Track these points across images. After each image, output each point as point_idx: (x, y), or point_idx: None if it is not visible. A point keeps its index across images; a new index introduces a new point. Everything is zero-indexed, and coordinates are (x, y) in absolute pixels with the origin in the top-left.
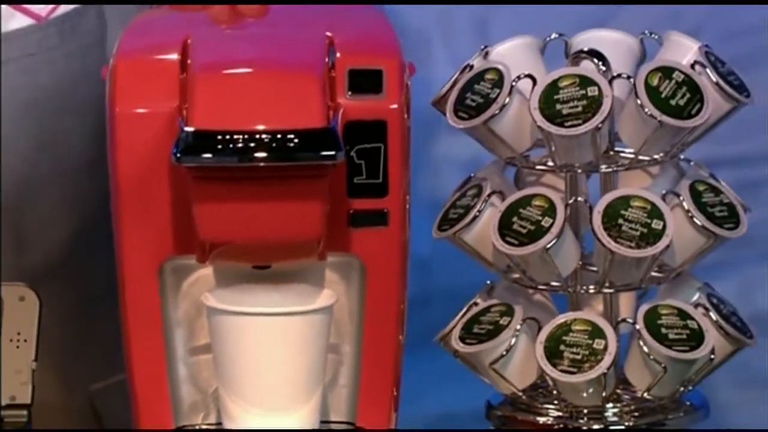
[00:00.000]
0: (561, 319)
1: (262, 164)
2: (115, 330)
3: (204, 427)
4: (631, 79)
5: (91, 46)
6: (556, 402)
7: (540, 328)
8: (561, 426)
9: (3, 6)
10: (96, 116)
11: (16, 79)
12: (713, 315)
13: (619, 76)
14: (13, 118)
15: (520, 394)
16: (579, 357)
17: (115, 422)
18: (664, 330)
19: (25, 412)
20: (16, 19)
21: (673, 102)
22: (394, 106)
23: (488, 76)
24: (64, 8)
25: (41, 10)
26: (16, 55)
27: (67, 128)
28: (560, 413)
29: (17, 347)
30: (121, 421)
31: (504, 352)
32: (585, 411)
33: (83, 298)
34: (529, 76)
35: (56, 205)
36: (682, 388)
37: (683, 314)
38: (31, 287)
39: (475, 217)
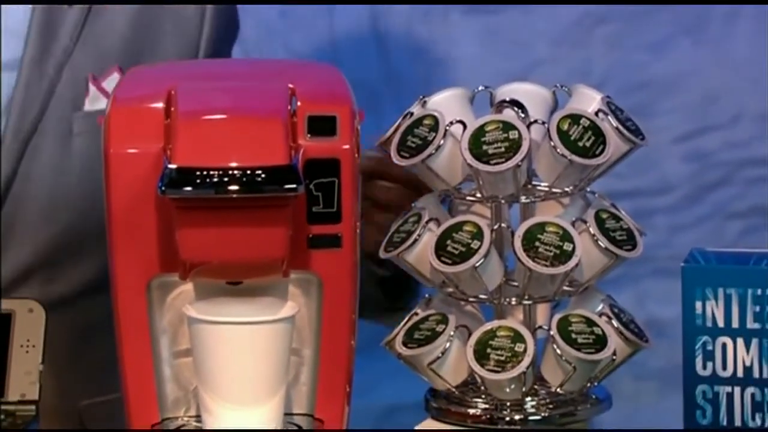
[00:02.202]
0: (488, 326)
1: (234, 196)
2: (107, 355)
3: (185, 419)
4: (546, 125)
5: None
6: (483, 396)
7: (470, 334)
8: (488, 416)
9: (93, 89)
10: None
11: (87, 150)
12: (615, 322)
13: (535, 121)
14: (79, 180)
15: (454, 389)
16: (503, 358)
17: None
18: (573, 335)
19: (33, 407)
20: (100, 102)
21: (580, 144)
22: (347, 146)
23: (426, 121)
24: None
25: None
26: (89, 129)
27: None
28: (487, 406)
29: (26, 352)
30: None
31: (440, 355)
32: (508, 404)
33: (87, 326)
34: (460, 121)
35: (90, 255)
36: (589, 384)
37: (590, 322)
38: (38, 301)
39: (415, 241)
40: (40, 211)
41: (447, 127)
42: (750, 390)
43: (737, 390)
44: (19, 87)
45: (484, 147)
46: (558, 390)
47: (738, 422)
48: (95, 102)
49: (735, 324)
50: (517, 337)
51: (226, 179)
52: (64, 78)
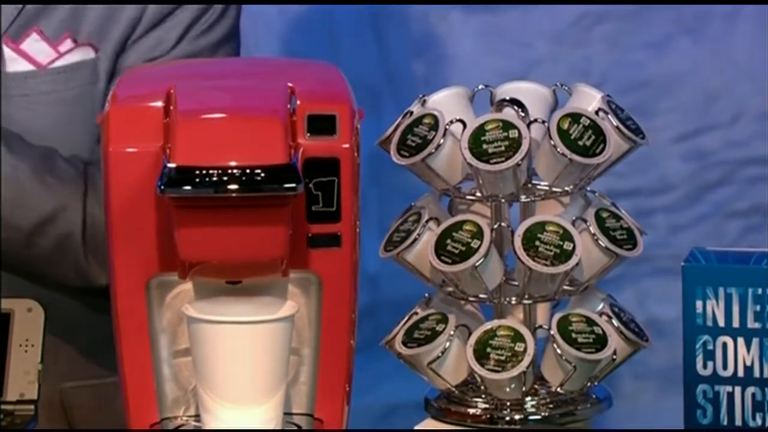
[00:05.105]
0: (488, 325)
1: (233, 195)
2: (87, 342)
3: (185, 418)
4: (546, 124)
5: (80, 96)
6: (483, 396)
7: (470, 334)
8: (488, 416)
9: (8, 50)
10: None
11: (14, 115)
12: (615, 322)
13: (535, 120)
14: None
15: (454, 389)
16: (503, 358)
17: (81, 417)
18: (574, 335)
19: (32, 407)
20: (18, 64)
21: (580, 143)
22: (346, 145)
23: (426, 120)
24: (63, 60)
25: (43, 59)
26: (14, 93)
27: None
28: (487, 405)
29: (25, 351)
30: (85, 416)
31: (440, 354)
32: (508, 403)
33: (66, 312)
34: (460, 120)
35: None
36: (589, 384)
37: (590, 321)
38: (37, 299)
39: (415, 240)
40: None
41: (447, 126)
42: (750, 389)
43: (738, 389)
44: None
45: (484, 146)
46: (558, 389)
47: (738, 422)
48: (14, 63)
49: (735, 323)
50: (517, 337)
51: (225, 178)
52: None
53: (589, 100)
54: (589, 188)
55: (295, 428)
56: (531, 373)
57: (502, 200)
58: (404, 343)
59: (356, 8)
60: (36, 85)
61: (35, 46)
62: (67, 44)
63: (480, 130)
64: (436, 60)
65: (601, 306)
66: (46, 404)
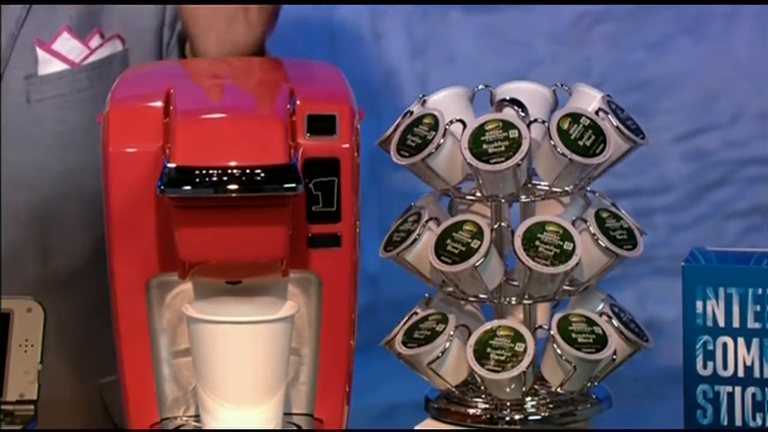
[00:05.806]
0: (488, 326)
1: (233, 195)
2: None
3: (185, 418)
4: (546, 124)
5: None
6: (483, 396)
7: (470, 334)
8: (488, 416)
9: (41, 53)
10: None
11: (48, 115)
12: (615, 322)
13: (535, 120)
14: (45, 146)
15: (454, 389)
16: (503, 358)
17: (120, 412)
18: (574, 335)
19: (32, 407)
20: (53, 65)
21: (580, 143)
22: (346, 145)
23: (426, 120)
24: (96, 56)
25: (76, 57)
26: (49, 95)
27: (89, 158)
28: (487, 405)
29: (25, 351)
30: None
31: (440, 354)
32: (508, 404)
33: (96, 303)
34: (460, 120)
35: (77, 222)
36: (589, 384)
37: (590, 321)
38: (37, 300)
39: (415, 240)
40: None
41: (447, 126)
42: (751, 390)
43: (738, 390)
44: None
45: (484, 146)
46: (558, 390)
47: (739, 422)
48: (49, 65)
49: (735, 323)
50: (517, 337)
51: (225, 179)
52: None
53: (589, 100)
54: (589, 188)
55: (295, 428)
56: (531, 373)
57: (502, 200)
58: (404, 343)
59: (356, 8)
60: (71, 83)
61: (67, 44)
62: (96, 39)
63: (480, 130)
64: (436, 60)
65: (601, 306)
66: (86, 404)
